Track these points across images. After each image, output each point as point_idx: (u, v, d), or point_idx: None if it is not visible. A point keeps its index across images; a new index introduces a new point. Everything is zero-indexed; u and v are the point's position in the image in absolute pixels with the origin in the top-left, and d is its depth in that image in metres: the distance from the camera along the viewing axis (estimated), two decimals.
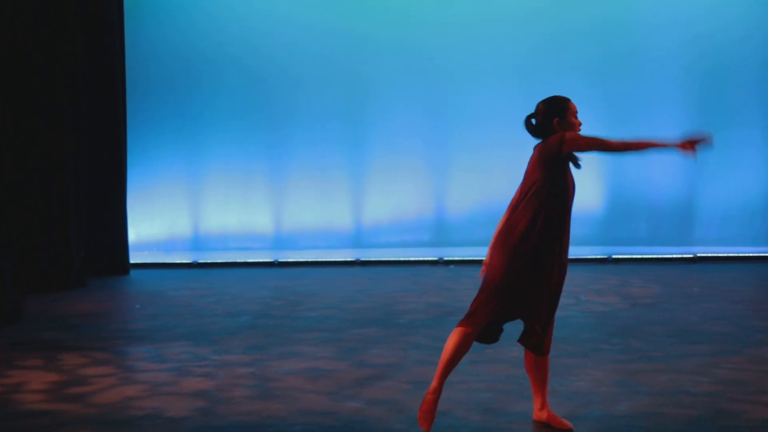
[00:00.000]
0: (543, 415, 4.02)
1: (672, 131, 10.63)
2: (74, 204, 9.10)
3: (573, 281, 8.59)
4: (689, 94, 10.56)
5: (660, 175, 10.60)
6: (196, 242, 10.65)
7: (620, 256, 10.51)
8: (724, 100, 10.55)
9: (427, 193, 10.74)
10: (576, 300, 7.53)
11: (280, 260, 10.59)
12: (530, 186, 3.87)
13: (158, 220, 10.61)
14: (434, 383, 3.89)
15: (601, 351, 5.53)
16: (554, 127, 3.91)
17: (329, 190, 10.60)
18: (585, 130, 11.60)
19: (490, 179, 10.53)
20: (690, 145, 3.72)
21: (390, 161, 10.65)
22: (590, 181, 10.50)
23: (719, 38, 10.44)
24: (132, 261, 10.17)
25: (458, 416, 4.16)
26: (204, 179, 10.60)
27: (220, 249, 10.68)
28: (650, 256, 10.52)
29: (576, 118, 3.98)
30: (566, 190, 3.86)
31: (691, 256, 10.48)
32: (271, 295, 8.15)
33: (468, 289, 8.13)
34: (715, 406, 4.32)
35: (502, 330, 3.98)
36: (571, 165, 3.95)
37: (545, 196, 3.82)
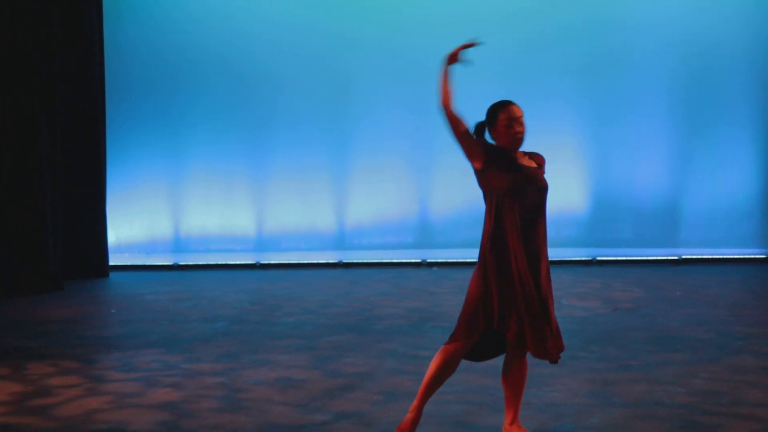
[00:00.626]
0: (513, 430, 3.92)
1: (658, 131, 10.64)
2: (50, 206, 8.98)
3: (556, 284, 8.51)
4: (676, 93, 10.45)
5: (645, 175, 10.53)
6: (177, 244, 10.54)
7: (604, 258, 10.45)
8: (710, 100, 10.46)
9: (410, 195, 10.61)
10: (557, 304, 7.43)
11: (262, 262, 10.49)
12: (483, 199, 3.80)
13: (138, 222, 10.49)
14: (415, 402, 3.80)
15: (578, 359, 5.45)
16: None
17: (312, 192, 10.49)
18: (571, 132, 11.39)
19: (474, 181, 10.45)
20: (455, 55, 3.82)
21: (373, 162, 10.54)
22: (575, 183, 10.44)
23: (706, 38, 10.35)
24: (112, 263, 10.07)
25: (427, 430, 4.07)
26: (185, 180, 10.48)
27: (202, 251, 10.57)
28: (635, 258, 10.45)
29: (516, 125, 3.72)
30: (514, 191, 3.68)
31: (675, 258, 10.42)
32: (250, 299, 8.05)
33: (450, 293, 8.07)
34: (689, 418, 4.24)
35: (500, 348, 3.81)
36: (525, 165, 3.77)
37: (494, 203, 3.72)
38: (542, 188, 3.76)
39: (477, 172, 3.77)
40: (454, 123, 3.70)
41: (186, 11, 10.36)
